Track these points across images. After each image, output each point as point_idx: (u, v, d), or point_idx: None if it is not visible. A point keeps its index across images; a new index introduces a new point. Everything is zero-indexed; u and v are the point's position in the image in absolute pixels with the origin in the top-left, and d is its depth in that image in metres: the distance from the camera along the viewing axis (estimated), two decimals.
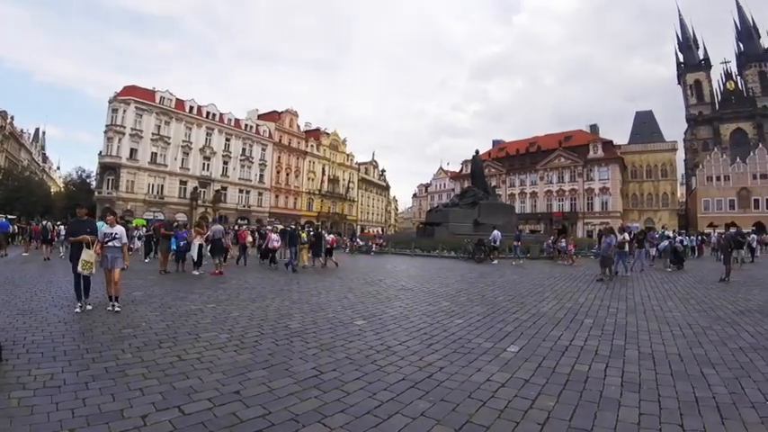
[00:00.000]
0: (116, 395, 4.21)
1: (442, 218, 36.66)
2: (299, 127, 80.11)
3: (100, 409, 3.90)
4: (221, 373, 4.90)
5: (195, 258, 15.81)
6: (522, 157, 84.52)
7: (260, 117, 74.97)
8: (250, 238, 21.77)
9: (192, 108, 61.31)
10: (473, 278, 15.78)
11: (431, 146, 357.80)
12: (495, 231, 25.60)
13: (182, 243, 16.25)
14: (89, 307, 8.18)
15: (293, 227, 21.09)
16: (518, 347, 6.29)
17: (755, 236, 29.25)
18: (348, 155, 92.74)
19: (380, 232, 70.50)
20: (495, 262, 23.55)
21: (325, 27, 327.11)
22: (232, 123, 66.77)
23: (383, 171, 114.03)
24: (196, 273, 15.09)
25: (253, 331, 6.89)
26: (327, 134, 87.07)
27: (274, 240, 18.60)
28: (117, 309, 8.07)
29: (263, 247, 19.81)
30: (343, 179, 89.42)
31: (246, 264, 18.71)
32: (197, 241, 16.05)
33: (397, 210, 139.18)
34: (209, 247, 16.53)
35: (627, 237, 16.48)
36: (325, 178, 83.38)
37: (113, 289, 8.25)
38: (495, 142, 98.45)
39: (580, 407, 4.18)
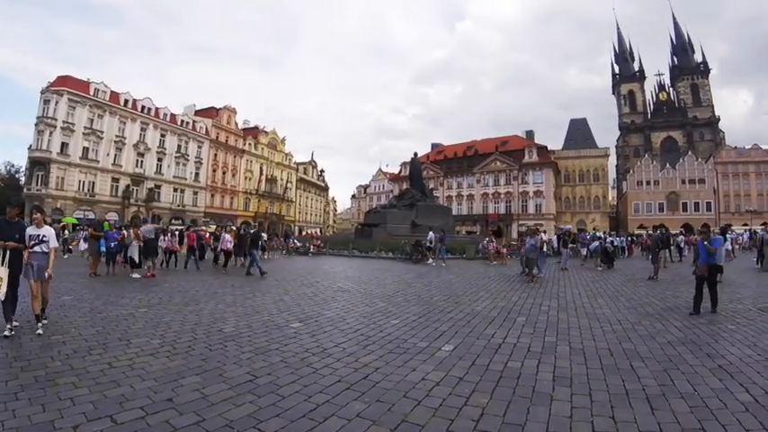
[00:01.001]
0: (46, 405, 4.03)
1: (380, 219, 36.86)
2: (237, 124, 78.04)
3: (30, 420, 3.74)
4: (153, 380, 4.75)
5: (137, 260, 15.07)
6: (460, 161, 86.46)
7: (197, 113, 72.34)
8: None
9: (126, 101, 58.06)
10: (410, 279, 15.90)
11: (371, 147, 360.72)
12: (431, 232, 25.89)
13: (112, 244, 15.49)
14: (16, 323, 6.81)
15: (255, 228, 20.45)
16: (453, 346, 6.37)
17: (683, 237, 30.96)
18: (287, 154, 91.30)
19: (319, 233, 69.97)
20: (430, 262, 23.75)
21: (271, 23, 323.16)
22: (168, 119, 63.87)
23: (322, 171, 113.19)
24: (136, 276, 14.35)
25: (185, 336, 6.71)
26: (266, 132, 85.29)
27: (227, 241, 17.87)
28: (39, 332, 6.64)
29: (218, 249, 19.10)
30: (282, 179, 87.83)
31: (199, 267, 17.88)
32: (137, 242, 15.25)
33: (335, 211, 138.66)
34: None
35: (543, 237, 16.99)
36: (263, 178, 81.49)
37: (37, 305, 6.80)
38: (433, 145, 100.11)
39: (513, 402, 4.28)
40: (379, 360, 5.61)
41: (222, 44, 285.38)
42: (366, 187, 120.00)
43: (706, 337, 7.03)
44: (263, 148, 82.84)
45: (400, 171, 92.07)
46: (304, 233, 73.92)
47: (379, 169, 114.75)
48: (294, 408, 4.09)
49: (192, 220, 56.70)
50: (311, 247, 32.84)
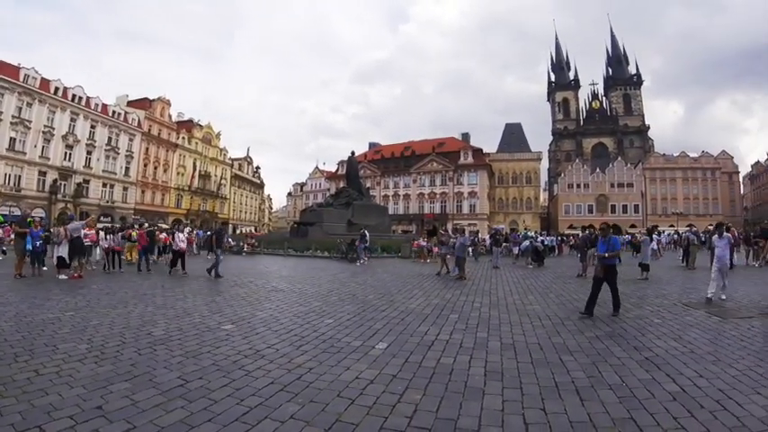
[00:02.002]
0: None
1: (316, 218, 36.49)
2: (170, 117, 74.43)
3: None
4: (82, 387, 4.55)
5: (66, 260, 14.08)
6: (397, 161, 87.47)
7: (130, 104, 68.13)
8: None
9: (57, 89, 53.84)
10: (345, 278, 15.81)
11: (309, 145, 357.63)
12: (365, 232, 25.85)
13: (38, 243, 14.40)
14: None
15: (222, 226, 19.47)
16: (386, 344, 6.38)
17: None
18: (221, 149, 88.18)
19: (253, 231, 68.45)
20: (363, 261, 23.68)
21: (212, 14, 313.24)
22: (99, 109, 59.67)
23: (258, 168, 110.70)
24: (63, 277, 13.43)
25: (114, 340, 6.43)
26: (201, 126, 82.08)
27: (180, 241, 16.89)
28: None
29: (171, 249, 17.88)
30: (216, 175, 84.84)
31: (150, 269, 16.73)
32: (66, 241, 14.22)
33: (271, 209, 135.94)
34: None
35: (468, 240, 17.32)
36: (197, 173, 78.12)
37: None
38: (371, 144, 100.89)
39: (446, 398, 4.35)
40: (312, 360, 5.56)
41: (161, 33, 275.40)
42: (303, 185, 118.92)
43: (633, 331, 7.32)
44: (197, 143, 79.78)
45: (337, 170, 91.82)
46: (238, 231, 72.22)
47: (317, 167, 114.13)
48: (226, 412, 4.02)
49: (122, 217, 53.62)
50: (245, 246, 32.06)
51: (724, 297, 10.18)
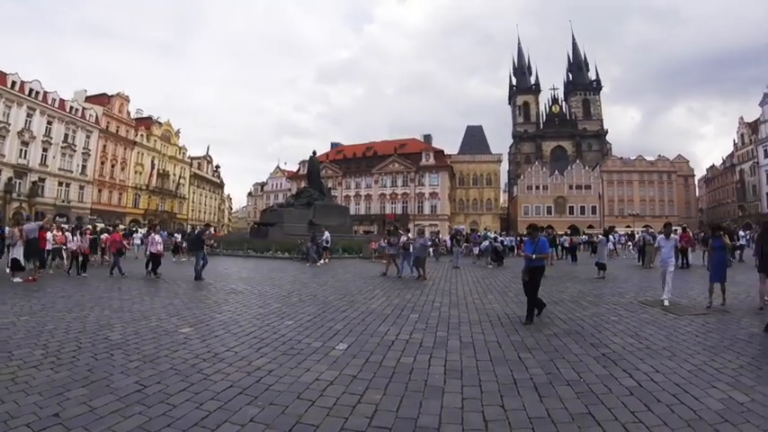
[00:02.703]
0: None
1: (276, 218, 36.07)
2: (129, 113, 72.22)
3: None
4: (38, 394, 4.43)
5: (21, 262, 13.40)
6: (359, 161, 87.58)
7: (88, 99, 65.49)
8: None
9: (14, 83, 51.71)
10: (306, 279, 15.68)
11: (271, 144, 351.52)
12: (327, 232, 25.71)
13: None
14: None
15: (205, 226, 18.84)
16: (347, 345, 6.37)
17: (566, 237, 33.11)
18: (180, 148, 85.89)
19: (213, 232, 67.12)
20: (324, 262, 23.54)
21: (174, 9, 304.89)
22: (56, 104, 57.25)
23: (218, 167, 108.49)
24: (17, 280, 12.84)
25: (70, 345, 6.26)
26: (160, 124, 79.92)
27: (157, 243, 16.18)
28: None
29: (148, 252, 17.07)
30: (174, 174, 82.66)
31: (123, 274, 15.54)
32: (21, 242, 13.54)
33: (231, 209, 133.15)
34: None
35: (403, 238, 17.25)
36: (155, 172, 75.91)
37: None
38: (333, 144, 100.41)
39: (406, 397, 4.38)
40: (272, 362, 5.51)
41: (121, 27, 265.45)
42: (263, 185, 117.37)
43: (590, 328, 7.49)
44: (155, 141, 77.63)
45: (299, 169, 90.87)
46: (197, 230, 70.40)
47: (278, 167, 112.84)
48: (185, 416, 3.95)
49: (78, 217, 51.56)
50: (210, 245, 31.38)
51: (667, 303, 9.70)
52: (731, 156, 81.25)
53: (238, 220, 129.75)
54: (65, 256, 16.61)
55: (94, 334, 6.89)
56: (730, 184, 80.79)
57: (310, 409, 4.08)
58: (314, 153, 44.20)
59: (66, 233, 16.87)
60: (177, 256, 25.09)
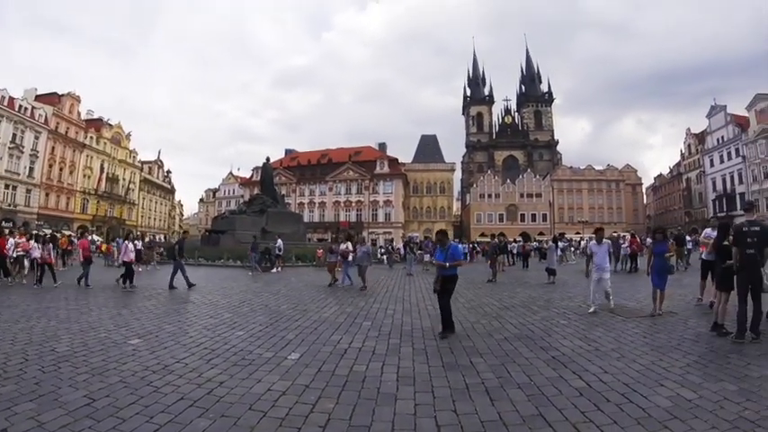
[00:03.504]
0: None
1: (228, 225, 35.37)
2: (80, 114, 68.93)
3: None
4: None
5: None
6: (314, 168, 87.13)
7: (38, 98, 61.90)
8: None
9: None
10: (258, 288, 15.47)
11: (225, 149, 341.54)
12: (279, 240, 25.44)
13: None
14: None
15: (184, 235, 18.17)
16: (299, 354, 6.29)
17: (516, 244, 33.75)
18: (131, 151, 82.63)
19: (163, 239, 65.21)
20: (276, 270, 23.28)
21: (130, 7, 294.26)
22: (5, 102, 53.76)
23: (169, 172, 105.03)
24: None
25: (16, 357, 6.08)
26: (111, 126, 76.74)
27: (130, 251, 15.35)
28: None
29: (120, 262, 16.44)
30: (124, 178, 79.55)
31: (89, 284, 14.82)
32: None
33: (182, 215, 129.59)
34: None
35: (350, 246, 16.72)
36: (104, 176, 72.74)
37: None
38: (287, 151, 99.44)
39: (359, 405, 4.37)
40: (223, 374, 5.41)
41: (75, 23, 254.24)
42: (215, 191, 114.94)
43: (540, 332, 7.65)
44: (105, 143, 74.36)
45: (252, 176, 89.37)
46: (147, 239, 68.65)
47: (230, 173, 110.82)
48: (135, 430, 3.86)
49: (24, 222, 49.00)
50: (154, 254, 30.48)
51: (612, 305, 9.70)
52: (678, 165, 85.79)
53: (189, 227, 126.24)
54: (26, 266, 15.90)
55: (41, 345, 6.72)
56: (677, 191, 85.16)
57: (262, 421, 4.03)
58: (267, 159, 43.60)
59: (31, 241, 16.13)
60: (138, 265, 24.17)
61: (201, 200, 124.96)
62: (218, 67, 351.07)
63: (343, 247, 16.66)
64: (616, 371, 5.33)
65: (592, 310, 9.47)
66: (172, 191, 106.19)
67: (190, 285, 14.57)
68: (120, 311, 10.00)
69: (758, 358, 5.77)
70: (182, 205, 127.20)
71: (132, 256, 15.46)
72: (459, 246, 8.95)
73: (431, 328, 8.09)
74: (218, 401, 4.48)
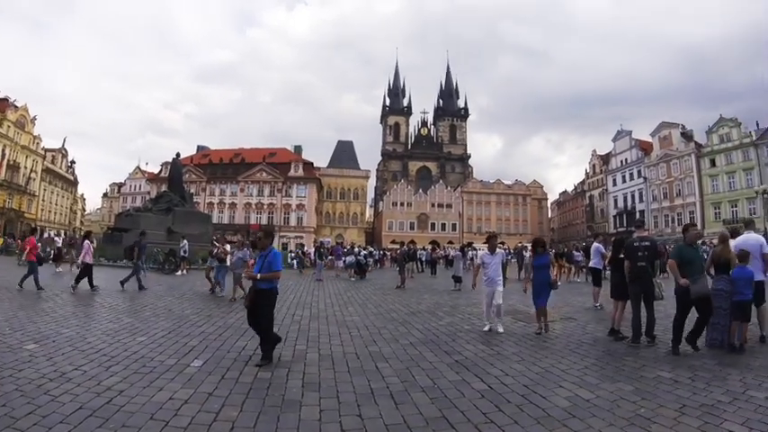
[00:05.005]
0: None
1: (132, 223, 33.20)
2: None
3: None
4: None
5: None
6: (226, 167, 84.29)
7: None
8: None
9: None
10: (161, 291, 14.75)
11: (135, 141, 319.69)
12: (185, 241, 24.52)
13: None
14: None
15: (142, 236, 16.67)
16: (202, 361, 6.10)
17: (425, 252, 34.53)
18: (35, 137, 74.78)
19: (64, 236, 60.77)
20: (181, 273, 22.45)
21: None
22: None
23: (73, 162, 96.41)
24: None
25: None
26: (16, 107, 69.31)
27: (88, 252, 14.31)
28: None
29: (80, 262, 14.97)
30: (26, 167, 72.36)
31: (41, 286, 13.41)
32: None
33: (84, 210, 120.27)
34: None
35: (227, 249, 15.73)
36: (5, 163, 65.97)
37: None
38: (199, 147, 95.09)
39: (263, 412, 4.31)
40: (123, 382, 5.15)
41: None
42: (121, 186, 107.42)
43: (445, 337, 7.88)
44: (9, 127, 66.95)
45: (161, 171, 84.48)
46: (46, 235, 63.42)
47: (138, 167, 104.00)
48: None
49: None
50: (51, 252, 28.34)
51: (501, 330, 8.44)
52: (582, 183, 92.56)
53: (92, 224, 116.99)
54: None
55: None
56: (580, 207, 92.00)
57: (164, 430, 3.91)
58: (178, 155, 41.58)
59: None
60: (58, 264, 22.39)
61: (106, 194, 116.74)
62: (136, 55, 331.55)
63: (215, 251, 15.52)
64: (517, 373, 5.59)
65: (487, 328, 8.57)
66: (75, 183, 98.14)
67: (123, 284, 14.37)
68: (16, 314, 9.31)
69: (652, 360, 6.25)
70: (84, 199, 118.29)
71: (90, 257, 14.58)
72: (280, 253, 6.98)
73: (338, 334, 8.14)
74: (119, 411, 4.29)
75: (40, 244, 16.14)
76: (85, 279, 14.03)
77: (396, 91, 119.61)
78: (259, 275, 6.09)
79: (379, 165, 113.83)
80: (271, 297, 6.29)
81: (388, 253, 42.22)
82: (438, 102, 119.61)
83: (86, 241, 15.15)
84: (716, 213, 58.63)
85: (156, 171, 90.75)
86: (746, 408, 4.40)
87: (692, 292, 6.52)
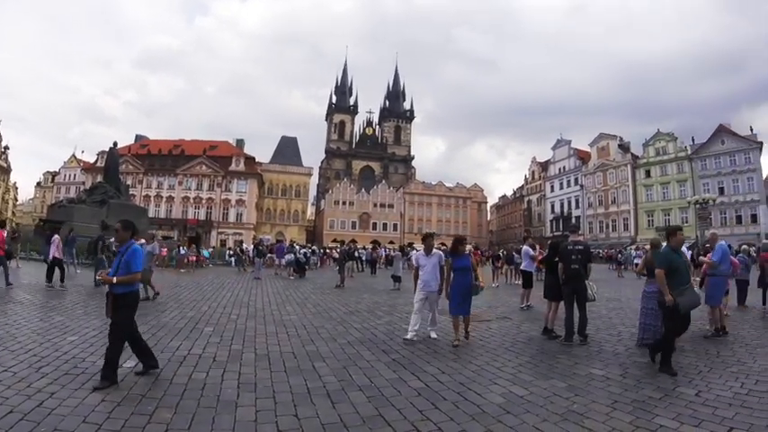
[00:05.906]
0: None
1: (65, 215, 31.64)
2: None
3: None
4: None
5: None
6: (165, 159, 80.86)
7: None
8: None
9: None
10: (93, 289, 14.01)
11: (73, 129, 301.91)
12: (56, 237, 23.33)
13: None
14: None
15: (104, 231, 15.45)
16: (135, 362, 5.85)
17: (366, 251, 34.70)
18: None
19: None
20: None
21: None
22: None
23: (6, 148, 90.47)
24: None
25: None
26: None
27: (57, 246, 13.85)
28: None
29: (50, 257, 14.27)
30: None
31: (10, 282, 12.74)
32: None
33: (16, 200, 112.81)
34: None
35: (157, 248, 15.28)
36: None
37: None
38: (138, 137, 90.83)
39: (198, 414, 4.23)
40: (54, 383, 4.94)
41: None
42: (55, 175, 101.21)
43: (383, 336, 7.96)
44: None
45: (97, 161, 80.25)
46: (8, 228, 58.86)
47: (73, 156, 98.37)
48: None
49: None
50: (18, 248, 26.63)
51: (434, 335, 7.79)
52: (522, 188, 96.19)
53: (24, 215, 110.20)
54: None
55: None
56: (519, 211, 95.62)
57: None
58: (115, 144, 39.71)
59: None
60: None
61: (39, 184, 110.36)
62: (76, 35, 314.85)
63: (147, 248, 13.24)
64: (452, 371, 5.71)
65: (409, 336, 7.45)
66: (8, 170, 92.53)
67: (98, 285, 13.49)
68: None
69: (585, 358, 6.52)
70: (17, 189, 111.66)
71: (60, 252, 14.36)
72: (141, 249, 6.15)
73: (275, 333, 8.06)
74: (50, 414, 4.13)
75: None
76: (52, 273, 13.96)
77: (343, 89, 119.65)
78: (115, 279, 5.29)
79: (322, 162, 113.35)
80: (130, 301, 5.50)
81: (329, 251, 42.05)
82: (384, 102, 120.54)
83: (56, 236, 14.89)
84: (649, 221, 62.67)
85: (92, 161, 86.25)
86: (677, 403, 4.61)
87: (682, 306, 5.77)
